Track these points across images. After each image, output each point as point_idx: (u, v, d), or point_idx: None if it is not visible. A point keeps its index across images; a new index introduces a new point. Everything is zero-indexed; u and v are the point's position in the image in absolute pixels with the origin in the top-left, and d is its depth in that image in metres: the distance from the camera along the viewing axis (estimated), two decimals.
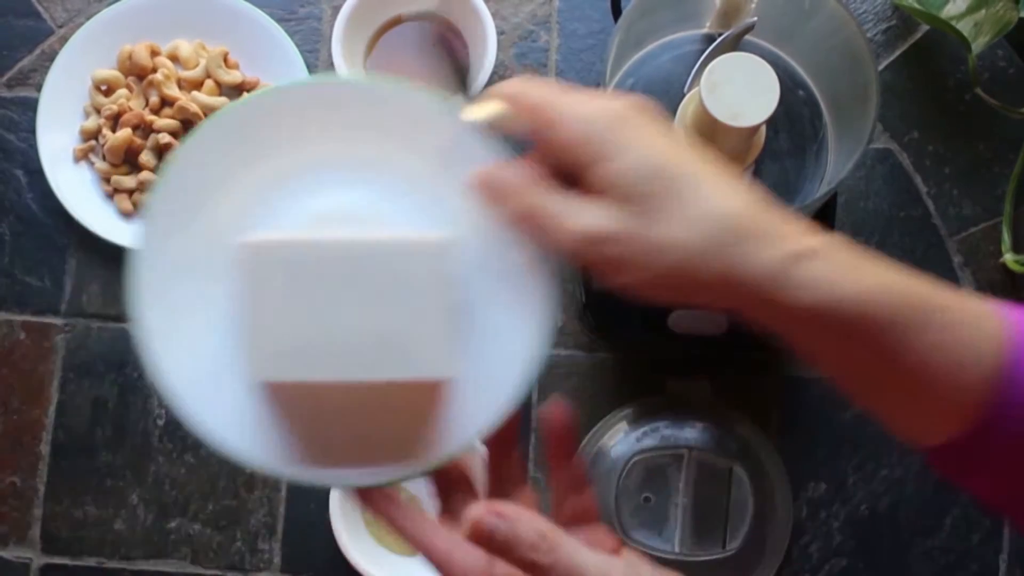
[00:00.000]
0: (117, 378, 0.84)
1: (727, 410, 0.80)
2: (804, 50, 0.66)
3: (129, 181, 0.85)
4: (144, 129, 0.85)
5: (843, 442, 0.81)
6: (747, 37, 0.65)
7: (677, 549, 0.77)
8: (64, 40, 0.86)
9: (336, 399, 0.45)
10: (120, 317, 0.85)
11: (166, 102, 0.85)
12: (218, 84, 0.86)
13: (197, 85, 0.86)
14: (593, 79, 0.86)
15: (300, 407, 0.45)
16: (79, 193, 0.85)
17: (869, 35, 0.86)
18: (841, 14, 0.61)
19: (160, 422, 0.84)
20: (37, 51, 0.89)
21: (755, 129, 0.61)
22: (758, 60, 0.60)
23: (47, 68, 0.86)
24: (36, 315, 0.86)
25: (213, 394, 0.45)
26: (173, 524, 0.83)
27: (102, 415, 0.84)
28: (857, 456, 0.81)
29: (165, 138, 0.84)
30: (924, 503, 0.81)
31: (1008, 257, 0.82)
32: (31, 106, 0.86)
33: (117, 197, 0.85)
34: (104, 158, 0.85)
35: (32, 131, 0.85)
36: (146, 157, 0.85)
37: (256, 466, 0.45)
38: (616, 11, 0.75)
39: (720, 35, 0.67)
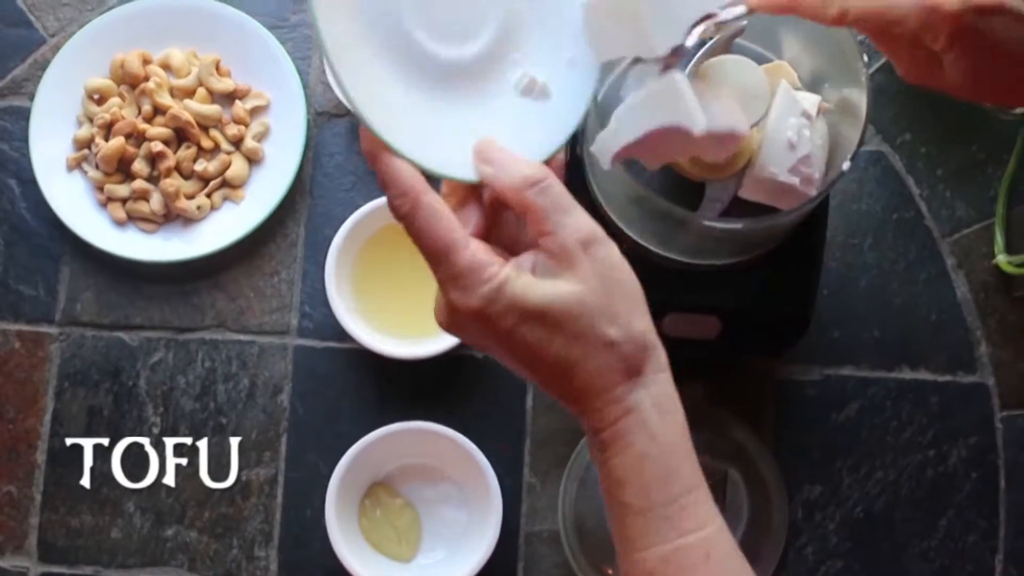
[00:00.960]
0: (112, 386, 0.84)
1: (722, 414, 0.80)
2: (795, 53, 0.67)
3: (122, 190, 0.85)
4: (137, 138, 0.85)
5: (838, 444, 0.82)
6: (737, 40, 0.65)
7: None
8: (56, 49, 0.87)
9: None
10: (114, 325, 0.85)
11: (159, 110, 0.85)
12: (210, 92, 0.86)
13: (189, 93, 0.86)
14: None
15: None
16: (72, 202, 0.85)
17: (860, 37, 0.86)
18: None
19: (155, 430, 0.84)
20: (29, 60, 0.89)
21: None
22: (750, 63, 0.60)
23: (39, 77, 0.86)
24: (30, 324, 0.86)
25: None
26: (169, 532, 0.82)
27: (97, 423, 0.84)
28: (852, 458, 0.81)
29: (158, 146, 0.84)
30: (919, 504, 0.81)
31: (1001, 258, 0.82)
32: (24, 115, 0.86)
33: (110, 206, 0.85)
34: (97, 167, 0.85)
35: (25, 140, 0.85)
36: (139, 166, 0.85)
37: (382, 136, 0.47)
38: None
39: (711, 38, 0.67)
